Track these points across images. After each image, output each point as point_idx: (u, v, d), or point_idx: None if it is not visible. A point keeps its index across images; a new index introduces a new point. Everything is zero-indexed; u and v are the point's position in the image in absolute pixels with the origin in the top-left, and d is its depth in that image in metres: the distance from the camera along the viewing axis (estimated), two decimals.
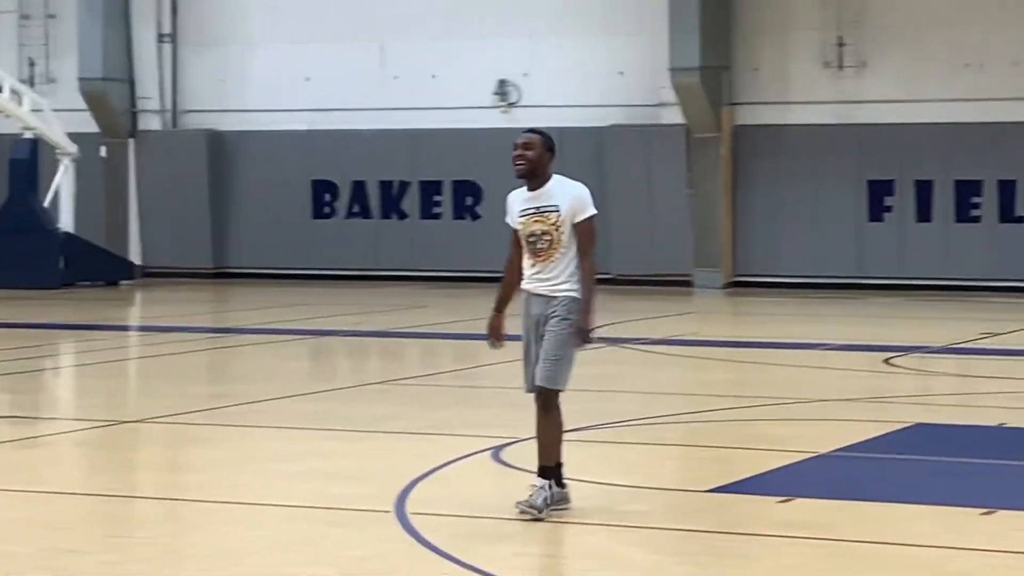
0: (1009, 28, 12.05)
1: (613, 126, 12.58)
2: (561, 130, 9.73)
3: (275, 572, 2.64)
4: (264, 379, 7.24)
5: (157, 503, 3.48)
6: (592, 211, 3.23)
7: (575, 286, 3.21)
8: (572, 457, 3.37)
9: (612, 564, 2.67)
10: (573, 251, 3.24)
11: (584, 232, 3.24)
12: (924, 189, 12.30)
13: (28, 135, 12.64)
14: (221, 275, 13.91)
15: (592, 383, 5.43)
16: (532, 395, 3.35)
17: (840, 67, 12.29)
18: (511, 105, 12.93)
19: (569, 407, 3.26)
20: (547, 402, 3.26)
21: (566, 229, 3.18)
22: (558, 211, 3.15)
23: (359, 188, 13.66)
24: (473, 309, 8.27)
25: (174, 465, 4.59)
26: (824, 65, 12.30)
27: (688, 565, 2.69)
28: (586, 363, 3.76)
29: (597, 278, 3.34)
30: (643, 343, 8.28)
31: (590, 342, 3.23)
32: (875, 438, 4.66)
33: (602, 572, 2.62)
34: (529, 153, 3.18)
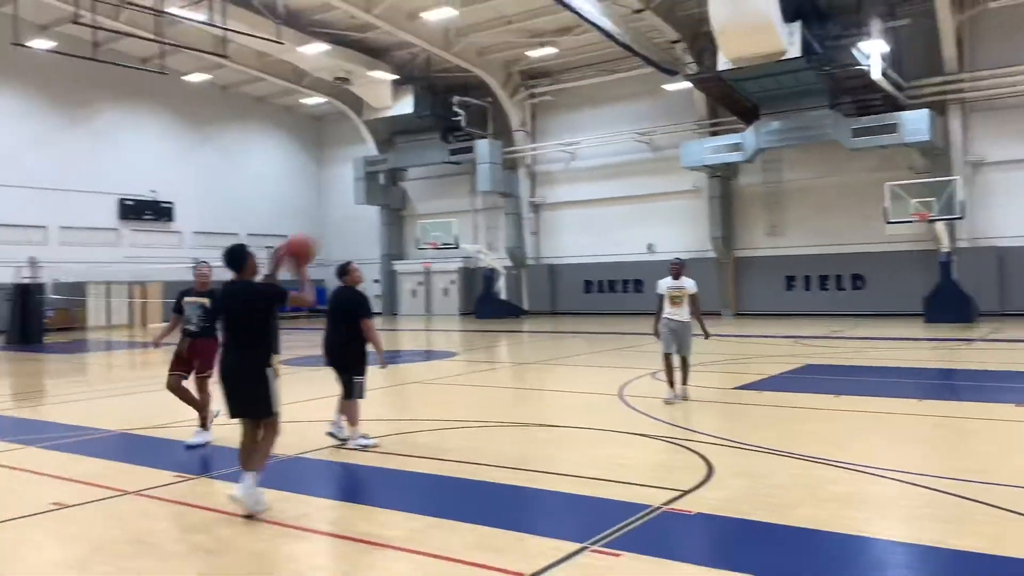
0: None
1: None
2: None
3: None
4: None
5: None
6: (693, 290, 9.73)
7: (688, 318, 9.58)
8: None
9: None
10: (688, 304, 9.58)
11: (695, 297, 9.66)
12: None
13: (489, 268, 33.96)
14: None
15: None
16: (669, 354, 9.61)
17: None
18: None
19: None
20: (687, 362, 9.72)
21: (689, 294, 9.61)
22: (685, 287, 9.66)
23: None
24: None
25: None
26: None
27: None
28: None
29: None
30: None
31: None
32: None
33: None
34: (678, 267, 9.77)
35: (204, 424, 8.06)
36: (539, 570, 4.26)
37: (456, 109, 32.56)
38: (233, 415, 5.69)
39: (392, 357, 18.89)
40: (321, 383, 10.03)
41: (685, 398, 9.73)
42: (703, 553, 4.73)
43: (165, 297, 32.15)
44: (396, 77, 32.03)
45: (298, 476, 6.71)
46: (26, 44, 23.46)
